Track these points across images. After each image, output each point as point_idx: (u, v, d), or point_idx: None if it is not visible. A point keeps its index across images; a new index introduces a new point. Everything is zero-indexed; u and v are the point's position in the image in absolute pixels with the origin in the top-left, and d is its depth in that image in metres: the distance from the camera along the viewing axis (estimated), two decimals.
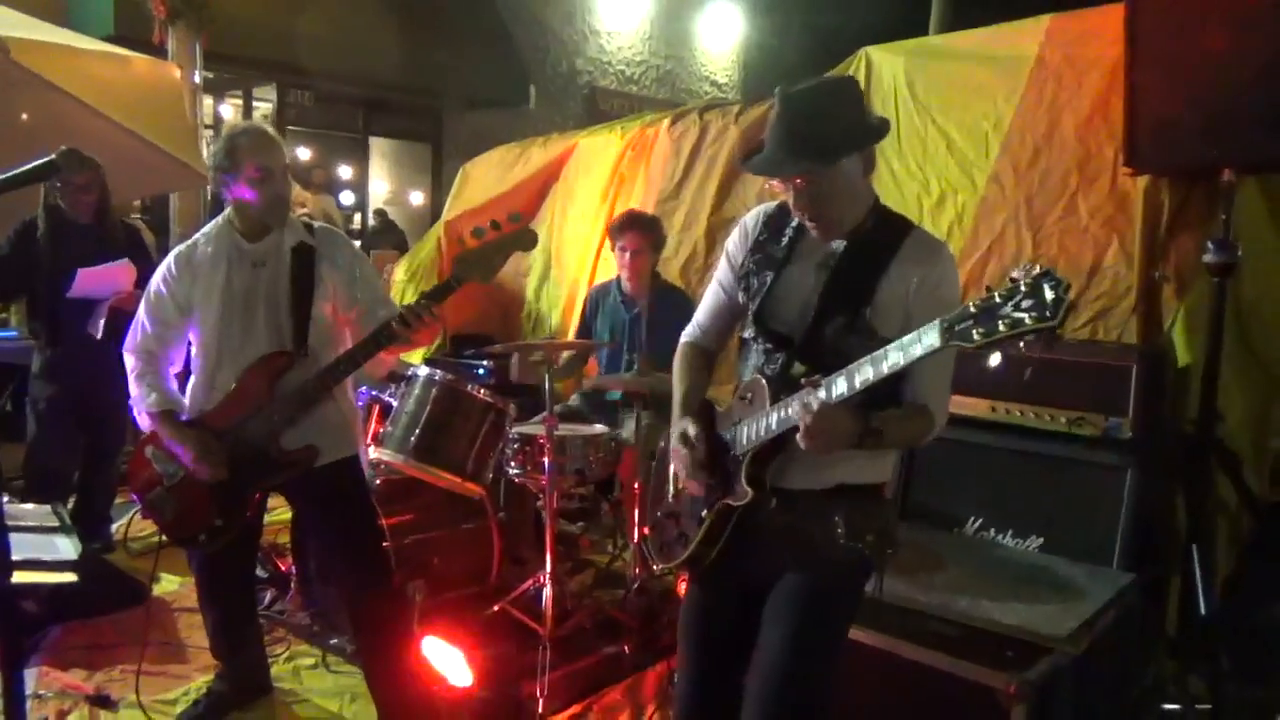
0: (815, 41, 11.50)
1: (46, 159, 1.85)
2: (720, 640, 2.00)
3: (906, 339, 1.57)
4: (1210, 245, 2.87)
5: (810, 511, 1.88)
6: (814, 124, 1.80)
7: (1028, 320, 1.38)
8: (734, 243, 2.08)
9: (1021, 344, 1.42)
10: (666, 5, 13.81)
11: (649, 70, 13.89)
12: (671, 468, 2.08)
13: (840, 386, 1.66)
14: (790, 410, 1.74)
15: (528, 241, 2.67)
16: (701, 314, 2.16)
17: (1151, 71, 2.91)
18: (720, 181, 4.74)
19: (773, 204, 2.05)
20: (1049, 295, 1.36)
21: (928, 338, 1.53)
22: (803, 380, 1.73)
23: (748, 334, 2.00)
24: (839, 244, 1.89)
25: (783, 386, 1.83)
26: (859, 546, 1.87)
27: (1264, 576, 3.04)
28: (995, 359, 1.51)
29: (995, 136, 3.67)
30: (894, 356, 1.59)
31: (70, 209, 3.91)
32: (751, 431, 1.86)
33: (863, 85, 4.07)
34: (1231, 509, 3.05)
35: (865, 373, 1.63)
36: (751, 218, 2.07)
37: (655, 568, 2.11)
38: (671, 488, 2.09)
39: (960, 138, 3.76)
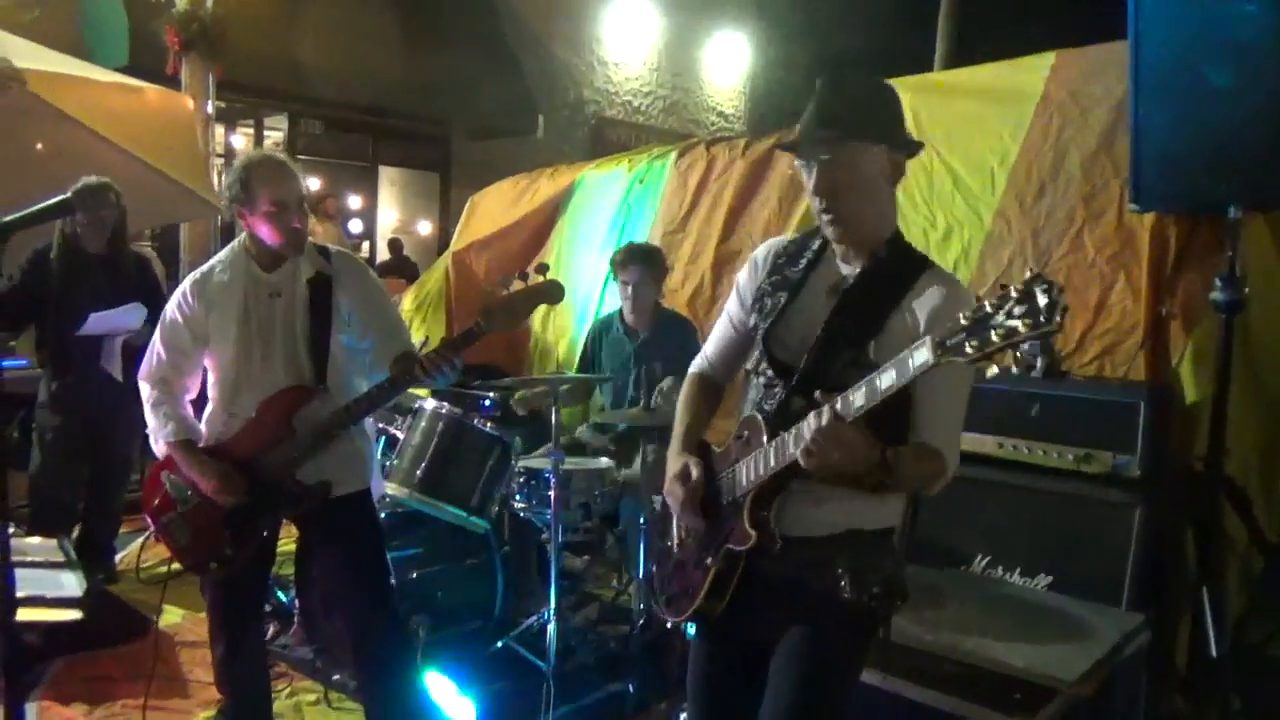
0: (821, 72, 11.59)
1: (60, 198, 1.88)
2: (726, 697, 1.93)
3: (899, 357, 1.50)
4: (1218, 282, 2.86)
5: (812, 561, 1.78)
6: (843, 101, 1.77)
7: (1021, 327, 1.33)
8: (744, 275, 2.03)
9: (1018, 352, 1.38)
10: (673, 36, 13.94)
11: (655, 101, 13.99)
12: (675, 524, 2.00)
13: (859, 399, 1.56)
14: (793, 438, 1.65)
15: (554, 295, 2.66)
16: (710, 346, 2.10)
17: (1157, 108, 2.92)
18: (726, 214, 4.76)
19: (786, 237, 2.03)
20: (1042, 300, 1.32)
21: (919, 355, 1.46)
22: (818, 395, 1.62)
23: (750, 363, 1.93)
24: (852, 270, 1.83)
25: (780, 423, 1.74)
26: (864, 600, 1.78)
27: (1275, 615, 3.01)
28: (994, 370, 1.46)
29: (1001, 172, 3.68)
30: (888, 376, 1.52)
31: (86, 238, 3.93)
32: (751, 470, 1.78)
33: None
34: (1241, 547, 3.02)
35: (860, 397, 1.56)
36: (762, 251, 2.02)
37: (665, 621, 2.01)
38: (676, 536, 2.00)
39: (966, 173, 3.78)
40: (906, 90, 4.00)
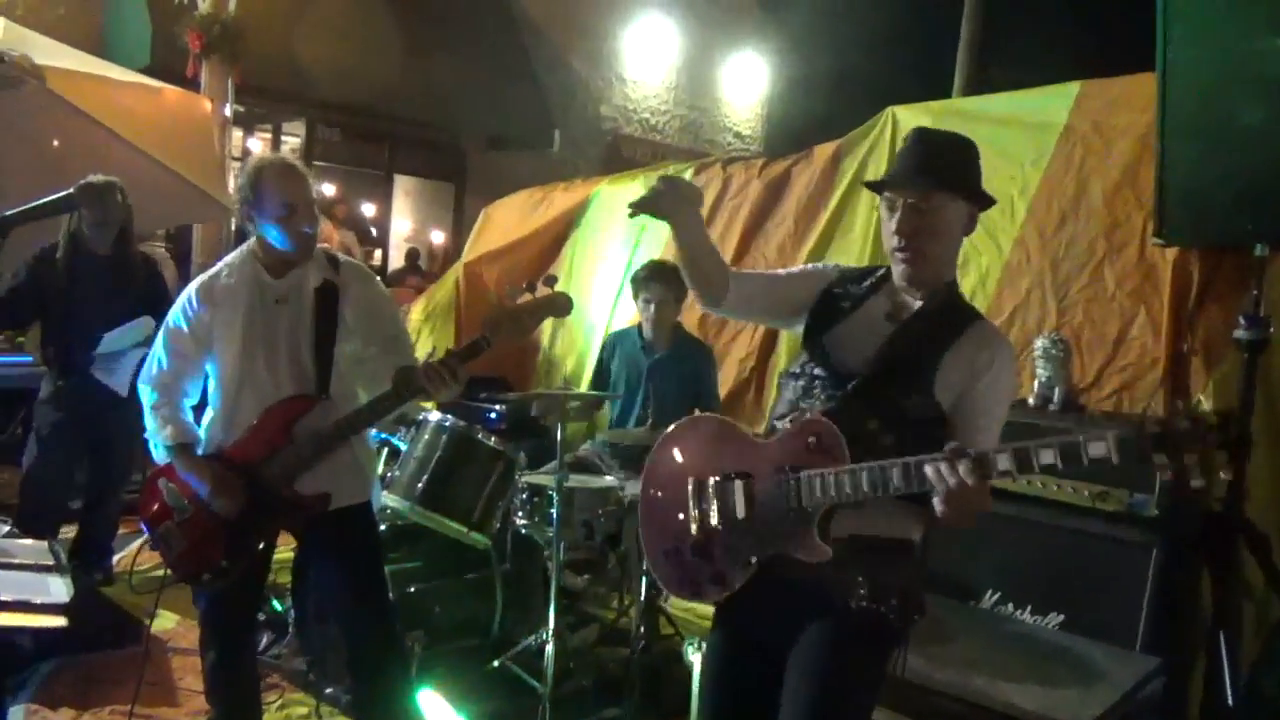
0: (839, 96, 11.58)
1: (63, 193, 1.85)
2: (742, 693, 1.95)
3: (1070, 440, 1.55)
4: (1242, 320, 2.81)
5: (832, 567, 1.80)
6: (944, 158, 1.90)
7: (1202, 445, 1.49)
8: (810, 267, 2.16)
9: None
10: (692, 55, 13.96)
11: (673, 119, 14.00)
12: (691, 498, 1.97)
13: (1004, 464, 1.60)
14: (902, 473, 1.68)
15: (562, 308, 2.61)
16: (758, 270, 2.18)
17: (1184, 142, 2.88)
18: (741, 234, 4.73)
19: (852, 265, 2.14)
20: (1218, 425, 1.50)
21: (1095, 448, 1.53)
22: (949, 447, 1.64)
23: (795, 366, 1.98)
24: (910, 303, 1.93)
25: (856, 442, 1.77)
26: (881, 610, 1.81)
27: None
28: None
29: (1021, 201, 3.64)
30: (1048, 454, 1.56)
31: (92, 238, 3.91)
32: (830, 486, 1.76)
33: (888, 144, 4.07)
34: (1257, 593, 2.95)
35: (1005, 461, 1.60)
36: (824, 264, 2.15)
37: (678, 598, 2.03)
38: (697, 522, 1.96)
39: None
40: (928, 115, 4.04)
